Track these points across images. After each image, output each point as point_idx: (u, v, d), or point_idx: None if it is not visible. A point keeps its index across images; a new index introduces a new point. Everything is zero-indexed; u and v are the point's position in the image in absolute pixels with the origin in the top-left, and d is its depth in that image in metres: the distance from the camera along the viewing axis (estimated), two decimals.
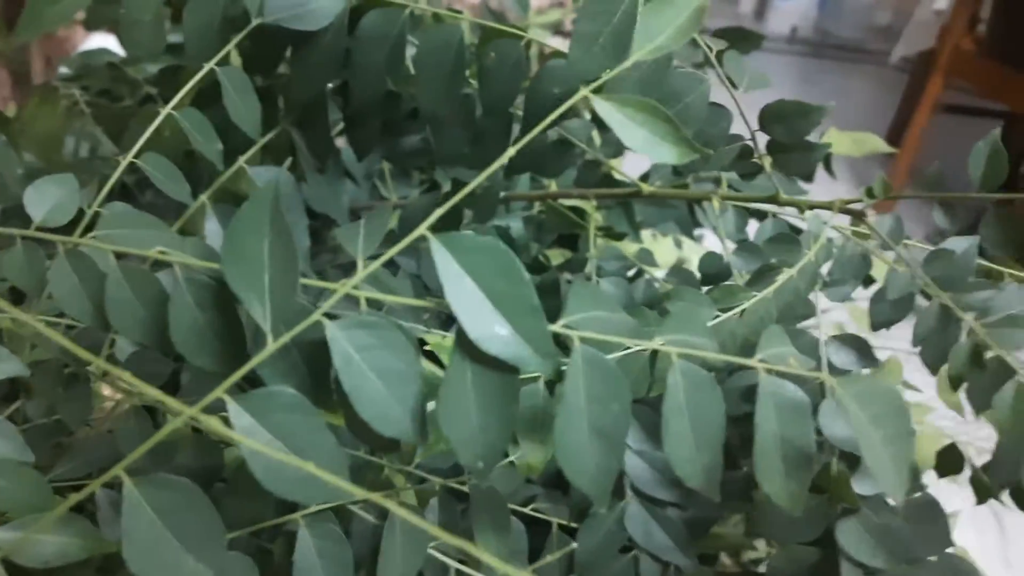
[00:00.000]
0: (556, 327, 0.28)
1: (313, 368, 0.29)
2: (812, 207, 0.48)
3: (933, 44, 2.46)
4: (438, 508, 0.41)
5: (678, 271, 0.63)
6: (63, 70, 0.76)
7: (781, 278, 0.43)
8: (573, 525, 0.54)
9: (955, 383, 0.42)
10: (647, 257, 0.65)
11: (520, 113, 0.53)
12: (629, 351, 0.42)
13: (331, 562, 0.34)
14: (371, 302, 0.31)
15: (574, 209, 0.80)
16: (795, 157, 0.44)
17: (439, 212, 0.30)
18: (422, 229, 0.28)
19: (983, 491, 0.61)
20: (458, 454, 0.28)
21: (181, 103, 0.44)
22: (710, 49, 0.45)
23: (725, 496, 0.55)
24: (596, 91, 0.30)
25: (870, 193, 0.45)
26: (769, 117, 0.43)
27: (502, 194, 0.67)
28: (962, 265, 0.45)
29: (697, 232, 0.78)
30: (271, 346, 0.27)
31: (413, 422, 0.28)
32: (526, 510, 0.54)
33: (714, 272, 0.52)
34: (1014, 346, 0.41)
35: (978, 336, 0.41)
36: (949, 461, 0.66)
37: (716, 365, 0.29)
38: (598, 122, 0.48)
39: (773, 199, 0.50)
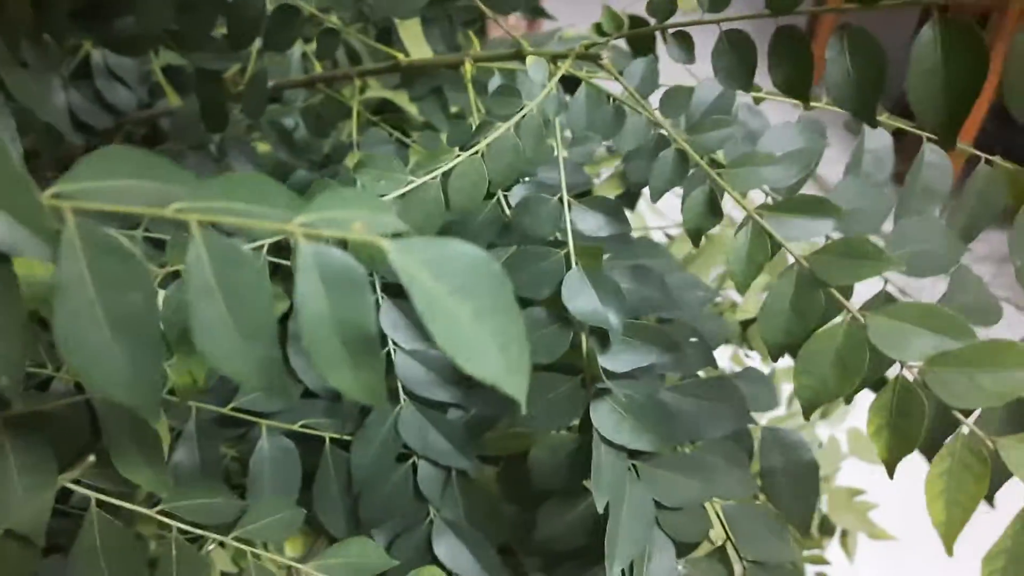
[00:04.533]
0: (46, 198, 0.22)
1: None
2: (554, 56, 0.42)
3: None
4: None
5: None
6: None
7: (493, 134, 0.37)
8: (350, 438, 0.49)
9: (694, 237, 0.37)
10: (430, 141, 0.59)
11: None
12: None
13: None
14: None
15: (386, 102, 0.73)
16: None
17: None
18: None
19: None
20: None
21: None
22: None
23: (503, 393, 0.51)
24: None
25: (600, 30, 0.39)
26: None
27: (270, 84, 0.60)
28: (716, 106, 0.40)
29: None
30: None
31: None
32: (294, 427, 0.49)
33: (462, 143, 0.46)
34: (755, 186, 0.36)
35: (713, 180, 0.36)
36: None
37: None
38: None
39: (517, 55, 0.44)
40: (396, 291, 0.50)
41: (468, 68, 0.47)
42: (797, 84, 0.35)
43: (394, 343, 0.49)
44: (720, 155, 0.43)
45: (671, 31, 0.38)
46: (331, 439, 0.49)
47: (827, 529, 1.07)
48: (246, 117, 0.60)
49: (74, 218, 0.22)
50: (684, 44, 0.38)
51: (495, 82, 0.49)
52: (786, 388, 0.89)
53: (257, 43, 0.54)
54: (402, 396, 0.49)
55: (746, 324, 0.72)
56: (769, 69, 0.35)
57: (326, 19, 0.49)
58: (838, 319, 0.33)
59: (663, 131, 0.38)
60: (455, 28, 0.57)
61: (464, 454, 0.48)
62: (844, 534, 1.07)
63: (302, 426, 0.49)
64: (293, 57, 0.63)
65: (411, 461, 0.49)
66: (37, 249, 0.22)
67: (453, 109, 0.69)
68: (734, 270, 0.35)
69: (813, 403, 0.33)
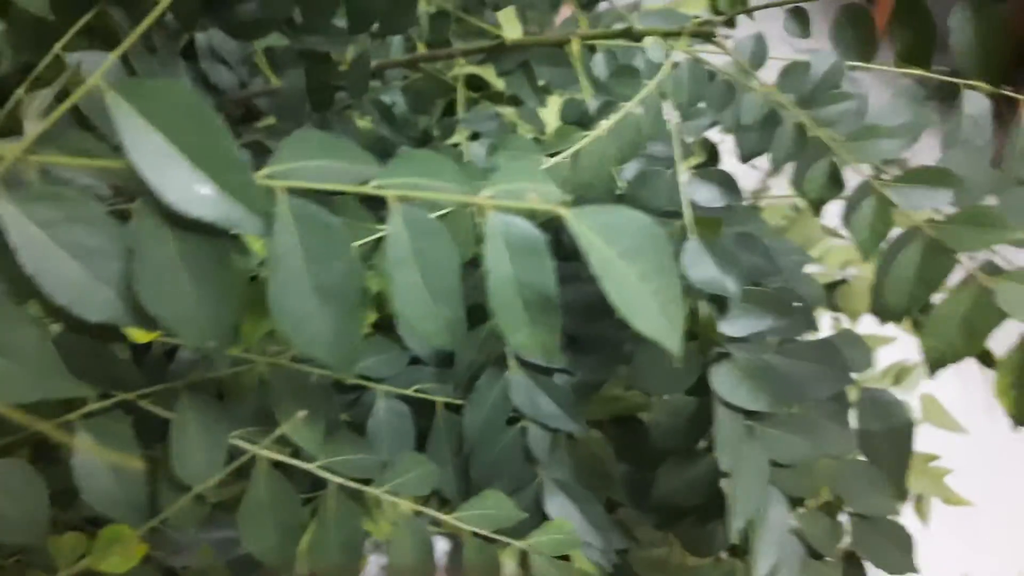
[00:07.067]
0: (260, 177, 0.24)
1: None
2: (666, 34, 0.43)
3: None
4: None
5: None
6: None
7: (617, 114, 0.38)
8: (460, 402, 0.51)
9: (815, 207, 0.39)
10: (532, 117, 0.61)
11: None
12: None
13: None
14: None
15: (473, 77, 0.75)
16: None
17: None
18: (96, 79, 0.24)
19: None
20: (182, 335, 0.25)
21: None
22: None
23: (609, 357, 0.52)
24: None
25: (716, 9, 0.40)
26: None
27: (373, 64, 0.62)
28: (826, 79, 0.41)
29: None
30: None
31: (124, 303, 0.25)
32: (408, 392, 0.51)
33: (576, 119, 0.47)
34: (875, 159, 0.37)
35: (835, 152, 0.37)
36: None
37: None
38: None
39: (627, 32, 0.45)
40: None
41: (576, 46, 0.48)
42: (919, 52, 0.36)
43: None
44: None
45: (788, 6, 0.39)
46: (443, 403, 0.52)
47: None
48: (349, 96, 0.63)
49: (286, 196, 0.24)
50: (800, 19, 0.39)
51: (599, 59, 0.50)
52: None
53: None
54: (511, 362, 0.51)
55: (830, 288, 0.72)
56: (890, 39, 0.36)
57: (439, 2, 0.50)
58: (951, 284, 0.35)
59: (779, 106, 0.39)
60: (553, 7, 0.59)
61: (572, 417, 0.50)
62: (919, 499, 1.07)
63: (416, 390, 0.52)
64: (395, 38, 0.65)
65: (520, 424, 0.51)
66: (252, 225, 0.24)
67: (540, 83, 0.71)
68: (859, 239, 0.36)
69: (940, 363, 0.35)
